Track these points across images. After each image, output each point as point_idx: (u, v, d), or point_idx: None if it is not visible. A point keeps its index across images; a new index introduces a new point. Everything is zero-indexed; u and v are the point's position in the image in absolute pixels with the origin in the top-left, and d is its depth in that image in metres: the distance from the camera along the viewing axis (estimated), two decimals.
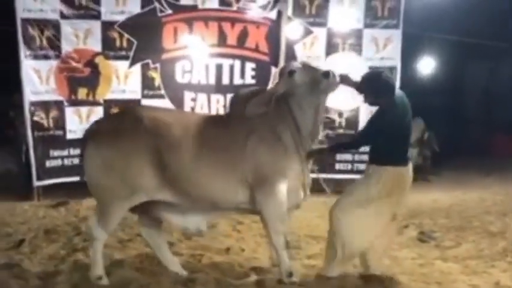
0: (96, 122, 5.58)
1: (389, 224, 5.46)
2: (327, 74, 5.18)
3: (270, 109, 5.19)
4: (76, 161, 9.33)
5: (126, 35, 9.61)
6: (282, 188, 5.21)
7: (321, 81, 5.17)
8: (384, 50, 10.19)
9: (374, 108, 5.44)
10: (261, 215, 5.31)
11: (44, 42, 9.23)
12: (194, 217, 5.43)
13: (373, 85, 5.28)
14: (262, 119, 5.25)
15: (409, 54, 10.74)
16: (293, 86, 5.25)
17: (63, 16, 9.27)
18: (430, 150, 13.39)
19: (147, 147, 5.09)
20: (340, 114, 10.14)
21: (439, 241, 7.08)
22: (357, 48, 10.19)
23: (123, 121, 5.30)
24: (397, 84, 10.15)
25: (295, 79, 5.25)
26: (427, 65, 12.10)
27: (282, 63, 9.62)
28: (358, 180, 5.53)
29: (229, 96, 8.63)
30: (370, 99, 5.37)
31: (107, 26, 9.52)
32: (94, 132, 5.33)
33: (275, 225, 5.25)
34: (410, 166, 5.40)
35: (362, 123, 9.86)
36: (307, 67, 5.39)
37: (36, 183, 9.40)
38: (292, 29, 9.93)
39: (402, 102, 5.29)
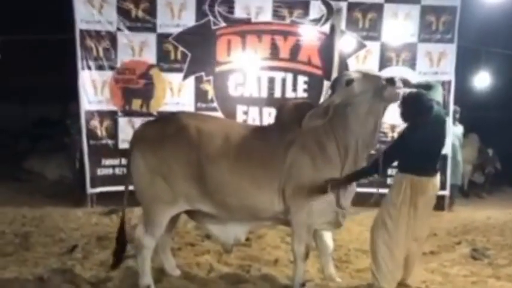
0: (142, 127, 5.68)
1: (411, 244, 5.47)
2: (392, 81, 5.05)
3: (327, 120, 5.16)
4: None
5: (180, 48, 9.73)
6: (318, 200, 5.21)
7: (385, 89, 5.03)
8: (438, 64, 10.10)
9: None
10: (290, 222, 5.34)
11: (101, 53, 9.45)
12: (234, 227, 5.51)
13: (414, 107, 5.23)
14: (306, 130, 5.22)
15: (463, 68, 10.57)
16: (351, 95, 5.13)
17: (119, 28, 9.48)
18: (493, 168, 13.14)
19: (189, 157, 5.20)
20: (393, 128, 10.04)
21: (492, 259, 6.91)
22: (411, 62, 10.11)
23: (167, 129, 5.36)
24: (451, 98, 10.08)
25: (354, 88, 5.13)
26: (482, 79, 11.85)
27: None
28: (387, 192, 5.49)
29: None
30: (409, 120, 5.33)
31: (162, 38, 9.67)
32: (139, 139, 5.46)
33: (301, 234, 5.31)
34: (435, 178, 5.39)
35: None
36: (367, 75, 5.25)
37: (90, 190, 9.59)
38: (345, 43, 9.88)
39: (436, 117, 5.30)
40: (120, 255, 5.73)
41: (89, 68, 9.43)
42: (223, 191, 5.22)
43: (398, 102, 5.26)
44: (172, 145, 5.24)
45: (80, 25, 9.33)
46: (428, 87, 5.51)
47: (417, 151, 5.18)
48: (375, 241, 5.39)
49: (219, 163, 5.19)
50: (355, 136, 5.20)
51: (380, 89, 5.04)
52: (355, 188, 5.52)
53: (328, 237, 5.79)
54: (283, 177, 5.22)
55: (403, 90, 5.16)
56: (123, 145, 9.32)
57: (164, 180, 5.22)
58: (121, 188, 8.67)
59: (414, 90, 5.36)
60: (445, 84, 9.93)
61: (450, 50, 10.07)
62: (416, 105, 5.21)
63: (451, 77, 10.07)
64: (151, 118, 8.57)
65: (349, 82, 5.16)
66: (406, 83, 5.31)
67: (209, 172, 5.19)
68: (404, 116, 5.33)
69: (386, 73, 9.64)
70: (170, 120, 5.58)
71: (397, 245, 5.34)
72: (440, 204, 10.01)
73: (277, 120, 5.74)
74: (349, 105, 5.16)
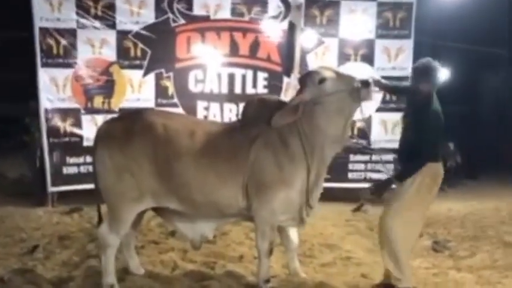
0: (106, 125, 5.64)
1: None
2: (366, 83, 5.06)
3: (298, 117, 5.14)
4: (92, 168, 9.32)
5: (140, 45, 9.71)
6: (281, 196, 5.21)
7: (359, 91, 5.03)
8: (395, 59, 10.27)
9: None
10: (254, 218, 5.37)
11: (61, 50, 9.35)
12: (201, 224, 5.52)
13: (431, 73, 5.25)
14: (270, 126, 5.18)
15: None
16: (323, 94, 5.09)
17: (79, 25, 9.39)
18: (454, 162, 13.33)
19: (156, 153, 5.20)
20: (353, 124, 10.14)
21: (453, 251, 7.08)
22: (369, 58, 10.27)
23: (134, 126, 5.35)
24: None
25: (327, 87, 5.10)
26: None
27: (296, 72, 9.57)
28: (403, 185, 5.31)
29: (241, 105, 8.64)
30: (425, 89, 5.24)
31: (122, 35, 9.63)
32: (104, 136, 5.44)
33: (264, 231, 5.32)
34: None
35: (374, 132, 10.10)
36: (341, 75, 5.26)
37: (51, 189, 9.48)
38: (304, 39, 9.95)
39: (437, 97, 5.34)
40: None
41: (49, 65, 9.33)
42: (189, 187, 5.24)
43: (415, 73, 5.31)
44: (139, 142, 5.23)
45: (39, 23, 9.22)
46: (399, 88, 5.61)
47: (434, 134, 5.18)
48: (393, 238, 5.27)
49: (185, 159, 5.21)
50: (323, 135, 5.18)
51: (354, 90, 5.05)
52: (322, 186, 5.53)
53: (293, 232, 5.84)
54: (247, 174, 5.24)
55: (377, 93, 5.26)
56: (88, 143, 9.18)
57: (131, 177, 5.21)
58: (85, 186, 8.86)
59: (423, 59, 5.38)
60: (403, 80, 10.11)
61: (407, 46, 10.25)
62: (433, 69, 5.25)
63: (408, 72, 10.11)
64: (113, 115, 8.49)
65: (322, 80, 5.13)
66: (378, 83, 5.37)
67: (175, 168, 5.21)
68: (423, 85, 5.24)
69: (345, 69, 9.80)
70: (136, 117, 5.56)
71: (415, 237, 5.40)
72: None
73: (243, 116, 5.75)
74: (318, 104, 5.13)
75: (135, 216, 5.41)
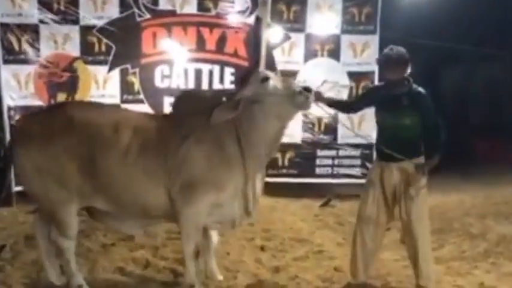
0: (23, 121, 5.45)
1: None
2: (308, 89, 4.96)
3: (237, 114, 4.95)
4: None
5: (104, 40, 9.57)
6: (209, 199, 5.01)
7: (300, 95, 4.92)
8: (361, 55, 10.29)
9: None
10: (177, 219, 5.11)
11: (23, 46, 9.19)
12: (129, 223, 5.33)
13: (405, 57, 5.33)
14: (205, 123, 4.96)
15: None
16: (264, 93, 4.97)
17: (41, 21, 9.23)
18: None
19: (77, 151, 4.93)
20: (319, 119, 10.21)
21: None
22: (335, 53, 10.28)
23: (52, 122, 5.05)
24: None
25: (269, 87, 5.00)
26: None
27: (263, 68, 9.58)
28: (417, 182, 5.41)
29: None
30: (401, 74, 5.33)
31: (86, 30, 9.48)
32: (21, 135, 5.20)
33: (188, 233, 5.08)
34: None
35: (341, 128, 10.04)
36: (284, 78, 5.23)
37: (15, 188, 9.16)
38: (271, 35, 9.95)
39: None
40: None
41: (11, 62, 9.17)
42: (115, 185, 5.00)
43: (390, 62, 5.36)
44: (58, 140, 4.93)
45: (0, 19, 9.07)
46: (341, 103, 5.79)
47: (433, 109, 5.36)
48: (425, 234, 5.43)
49: (110, 156, 4.96)
50: (260, 136, 5.03)
51: (295, 94, 4.94)
52: (260, 193, 5.41)
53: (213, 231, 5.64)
54: (174, 171, 4.99)
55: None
56: None
57: (54, 177, 4.96)
58: None
59: (395, 49, 5.41)
60: (369, 75, 10.19)
61: (373, 41, 10.28)
62: (406, 56, 5.35)
63: (374, 67, 10.19)
64: None
65: (265, 80, 5.04)
66: (317, 95, 5.32)
67: (100, 166, 4.95)
68: (399, 72, 5.34)
69: (311, 65, 10.13)
70: (54, 112, 5.33)
71: None
72: None
73: (175, 110, 5.56)
74: (258, 103, 4.99)
75: (74, 216, 5.14)
